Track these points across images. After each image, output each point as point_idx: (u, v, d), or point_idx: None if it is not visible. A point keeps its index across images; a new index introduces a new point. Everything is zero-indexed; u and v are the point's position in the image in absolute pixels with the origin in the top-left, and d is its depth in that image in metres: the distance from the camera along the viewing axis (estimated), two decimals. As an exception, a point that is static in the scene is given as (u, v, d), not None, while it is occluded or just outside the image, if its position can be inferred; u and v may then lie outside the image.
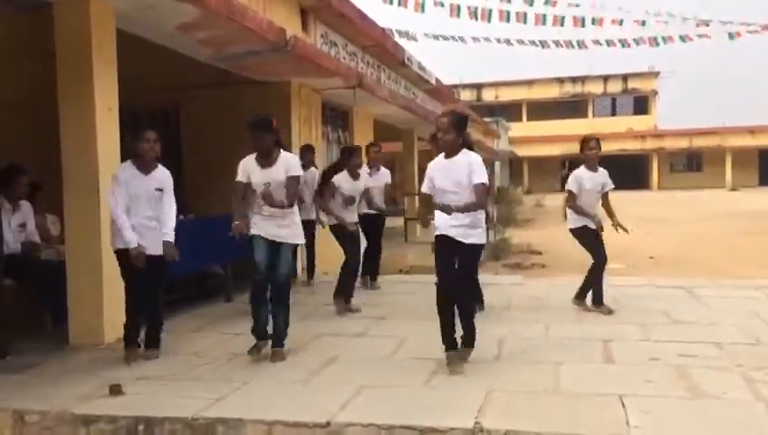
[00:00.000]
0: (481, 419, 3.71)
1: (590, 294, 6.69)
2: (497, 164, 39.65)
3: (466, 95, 50.59)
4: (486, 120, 33.80)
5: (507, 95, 54.86)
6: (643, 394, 4.11)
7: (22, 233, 6.18)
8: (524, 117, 54.24)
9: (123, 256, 5.02)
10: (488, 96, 55.04)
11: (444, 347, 4.78)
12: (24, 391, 4.43)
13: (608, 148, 50.70)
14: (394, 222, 13.80)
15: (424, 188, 4.88)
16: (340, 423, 3.73)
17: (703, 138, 50.49)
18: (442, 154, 4.84)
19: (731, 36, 13.79)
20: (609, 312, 6.49)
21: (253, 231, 5.07)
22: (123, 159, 5.81)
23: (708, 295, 7.40)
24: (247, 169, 5.09)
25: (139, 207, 5.03)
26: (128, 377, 4.58)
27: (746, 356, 4.92)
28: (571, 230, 6.68)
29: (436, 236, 4.78)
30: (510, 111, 52.15)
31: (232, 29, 6.45)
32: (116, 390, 4.27)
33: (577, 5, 13.97)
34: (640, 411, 3.80)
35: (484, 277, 9.09)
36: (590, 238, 6.58)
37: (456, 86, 37.25)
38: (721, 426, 3.66)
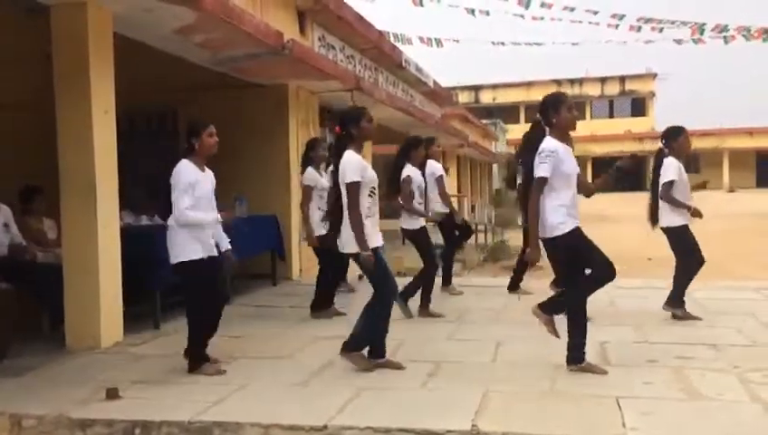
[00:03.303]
0: (478, 421, 3.71)
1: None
2: (495, 166, 39.72)
3: (464, 97, 50.68)
4: (484, 122, 33.83)
5: (505, 97, 54.98)
6: (640, 396, 4.11)
7: (7, 235, 6.16)
8: (522, 119, 54.30)
9: (199, 265, 4.74)
10: (486, 98, 55.16)
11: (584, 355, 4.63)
12: (21, 394, 4.42)
13: (605, 149, 50.98)
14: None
15: (546, 172, 4.42)
16: (337, 426, 3.73)
17: (701, 139, 50.51)
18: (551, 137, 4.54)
19: (725, 41, 13.84)
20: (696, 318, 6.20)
21: (377, 243, 4.67)
22: (120, 163, 5.84)
23: (705, 297, 7.40)
24: (362, 165, 4.62)
25: (205, 209, 4.80)
26: (125, 381, 4.57)
27: (743, 358, 4.93)
28: (672, 229, 6.19)
29: (576, 229, 4.48)
30: (508, 112, 52.22)
31: (229, 32, 6.45)
32: (113, 393, 4.27)
33: (572, 9, 14.00)
34: (637, 413, 3.80)
35: (482, 280, 9.10)
36: (691, 236, 6.24)
37: (453, 88, 37.28)
38: (718, 428, 3.66)
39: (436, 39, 16.10)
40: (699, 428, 3.67)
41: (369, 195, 4.68)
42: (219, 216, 4.89)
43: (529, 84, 54.87)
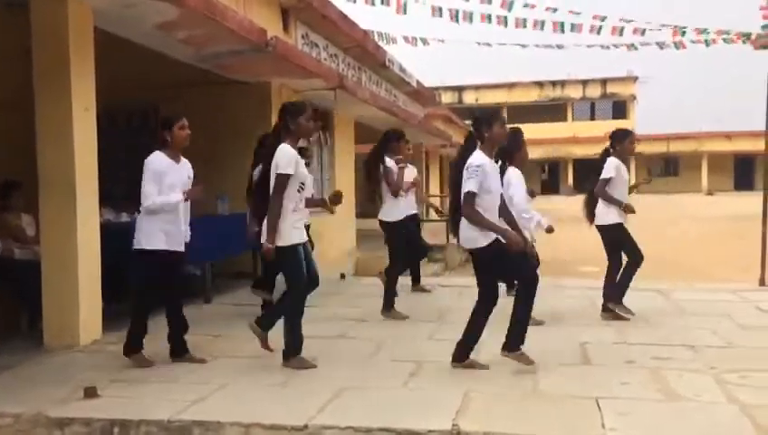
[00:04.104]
0: (459, 421, 3.72)
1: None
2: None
3: (447, 98, 50.73)
4: (467, 122, 33.99)
5: (488, 98, 55.08)
6: (619, 397, 4.15)
7: None
8: (505, 120, 54.55)
9: (153, 255, 4.81)
10: (469, 99, 55.26)
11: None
12: (-2, 393, 4.36)
13: (586, 151, 50.91)
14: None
15: (474, 187, 4.51)
16: (317, 426, 3.73)
17: (680, 142, 51.19)
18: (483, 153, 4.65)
19: (707, 44, 14.04)
20: (628, 312, 6.34)
21: (296, 240, 4.73)
22: (100, 160, 5.78)
23: (683, 298, 7.49)
24: (296, 159, 4.69)
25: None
26: (103, 379, 4.53)
27: (719, 359, 4.99)
28: (606, 227, 6.30)
29: (491, 244, 4.58)
30: (490, 113, 52.35)
31: (212, 29, 6.41)
32: (91, 392, 4.23)
33: (555, 10, 14.09)
34: (616, 414, 3.84)
35: (464, 280, 9.15)
36: (627, 234, 6.32)
37: (437, 89, 37.33)
38: (695, 428, 3.71)
39: (421, 38, 16.09)
40: (677, 428, 3.71)
41: (299, 190, 4.75)
42: (185, 193, 4.94)
43: (511, 85, 55.09)
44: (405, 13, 13.94)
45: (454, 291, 8.19)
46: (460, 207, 4.62)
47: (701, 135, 51.23)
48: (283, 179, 4.64)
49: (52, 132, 5.46)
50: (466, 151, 4.70)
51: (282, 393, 4.32)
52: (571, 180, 49.67)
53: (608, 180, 6.29)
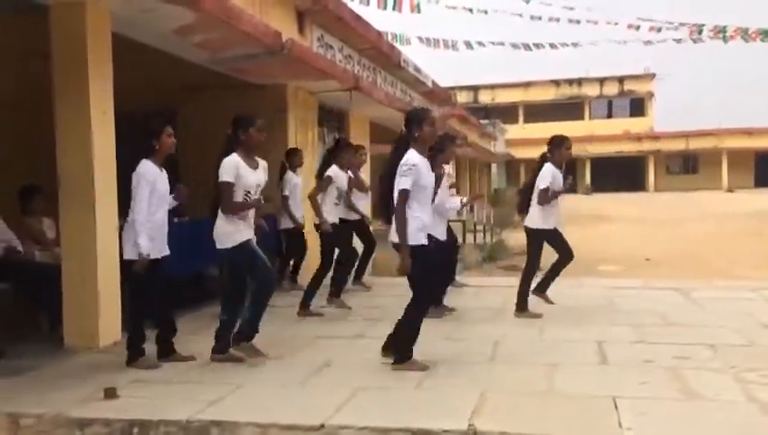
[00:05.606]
0: (475, 420, 3.72)
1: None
2: (494, 166, 39.76)
3: (463, 97, 50.64)
4: (483, 122, 33.88)
5: (504, 97, 54.97)
6: (637, 396, 4.13)
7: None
8: (521, 119, 54.34)
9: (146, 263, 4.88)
10: (485, 98, 55.13)
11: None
12: (20, 394, 4.42)
13: (604, 150, 50.64)
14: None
15: (407, 185, 4.66)
16: (334, 426, 3.74)
17: (699, 139, 50.70)
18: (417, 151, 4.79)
19: (725, 39, 13.89)
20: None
21: (243, 238, 4.96)
22: (119, 163, 5.85)
23: (703, 297, 7.43)
24: (238, 169, 4.90)
25: (161, 207, 4.97)
26: (123, 380, 4.59)
27: (740, 358, 4.94)
28: (537, 231, 6.56)
29: (427, 244, 4.80)
30: (506, 113, 52.22)
31: (228, 32, 6.46)
32: (111, 393, 4.28)
33: (571, 8, 14.04)
34: (634, 413, 3.82)
35: (480, 279, 9.13)
36: (559, 236, 6.61)
37: (452, 88, 37.30)
38: (714, 428, 3.67)
39: (434, 39, 16.09)
40: (695, 428, 3.68)
41: (245, 198, 4.91)
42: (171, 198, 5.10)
43: (527, 84, 54.88)
44: (419, 11, 13.95)
45: (470, 290, 8.18)
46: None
47: (721, 132, 50.69)
48: (223, 187, 4.84)
49: (71, 136, 5.53)
50: (400, 150, 4.80)
51: (298, 393, 4.35)
52: (588, 179, 49.36)
53: (546, 190, 6.48)
